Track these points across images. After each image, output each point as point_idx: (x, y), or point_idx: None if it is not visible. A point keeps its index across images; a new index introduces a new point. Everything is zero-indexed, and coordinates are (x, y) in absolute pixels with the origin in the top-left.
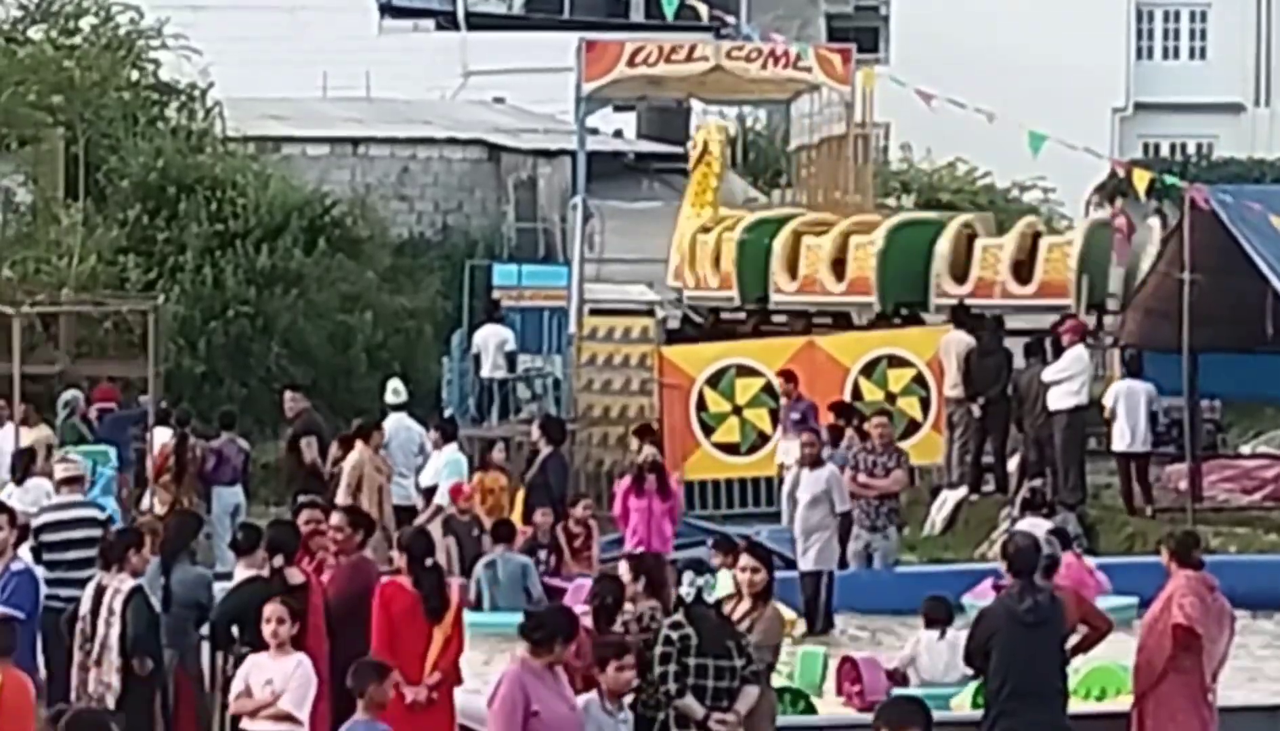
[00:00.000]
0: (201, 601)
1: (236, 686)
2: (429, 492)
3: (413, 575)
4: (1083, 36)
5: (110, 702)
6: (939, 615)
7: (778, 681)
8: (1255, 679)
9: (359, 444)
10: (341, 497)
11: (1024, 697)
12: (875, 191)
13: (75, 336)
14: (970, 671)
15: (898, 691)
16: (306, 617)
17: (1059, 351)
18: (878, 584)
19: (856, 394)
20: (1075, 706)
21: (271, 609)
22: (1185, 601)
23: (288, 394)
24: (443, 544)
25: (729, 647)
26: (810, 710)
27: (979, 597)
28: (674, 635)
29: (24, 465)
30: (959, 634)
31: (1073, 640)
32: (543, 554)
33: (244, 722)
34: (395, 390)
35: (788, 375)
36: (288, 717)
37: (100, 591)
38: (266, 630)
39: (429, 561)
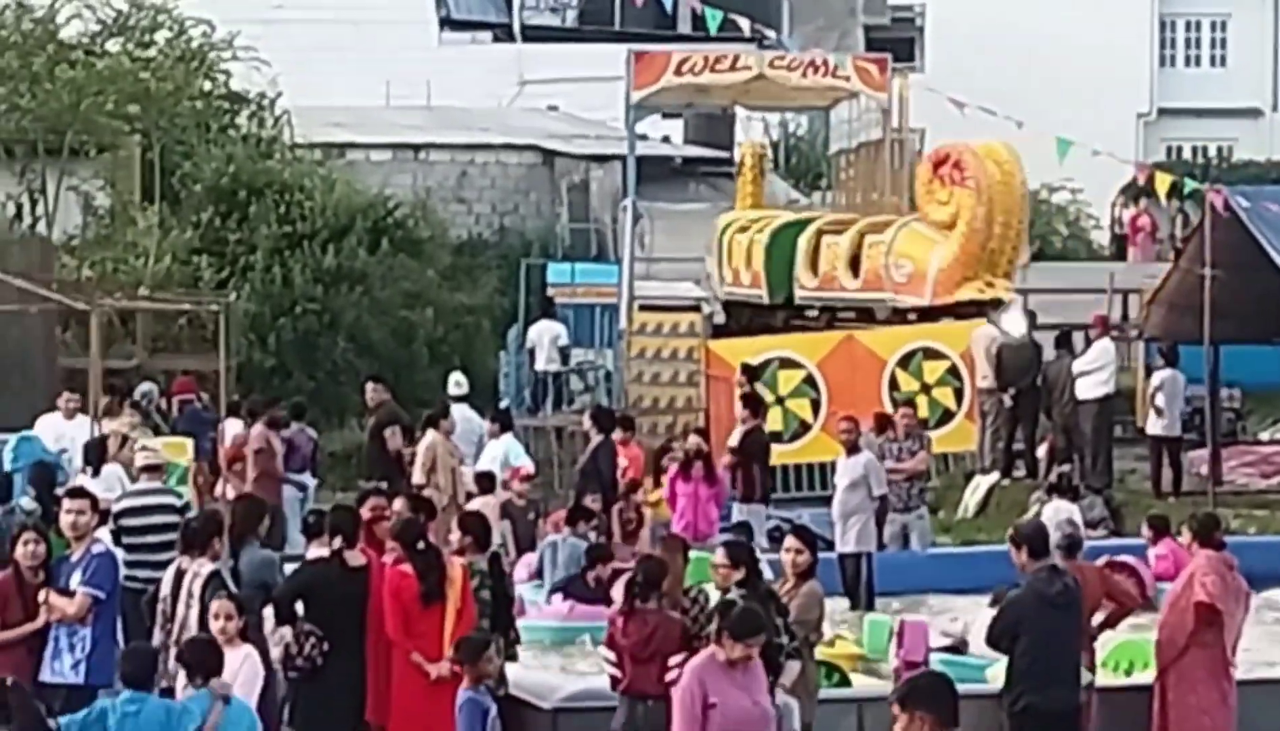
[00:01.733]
0: (269, 582)
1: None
2: (483, 478)
3: (409, 561)
4: (1108, 45)
5: None
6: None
7: (848, 649)
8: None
9: (430, 430)
10: (417, 478)
11: (1051, 674)
12: (911, 193)
13: (151, 332)
14: None
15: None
16: (367, 598)
17: (1087, 342)
18: (915, 564)
19: (894, 384)
20: (1102, 679)
21: (218, 605)
22: (1207, 580)
23: (369, 385)
24: (499, 527)
25: (775, 624)
26: (845, 683)
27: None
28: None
29: (98, 453)
30: None
31: (1100, 616)
32: (592, 536)
33: None
34: (457, 382)
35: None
36: None
37: (180, 575)
38: (214, 626)
39: (420, 546)
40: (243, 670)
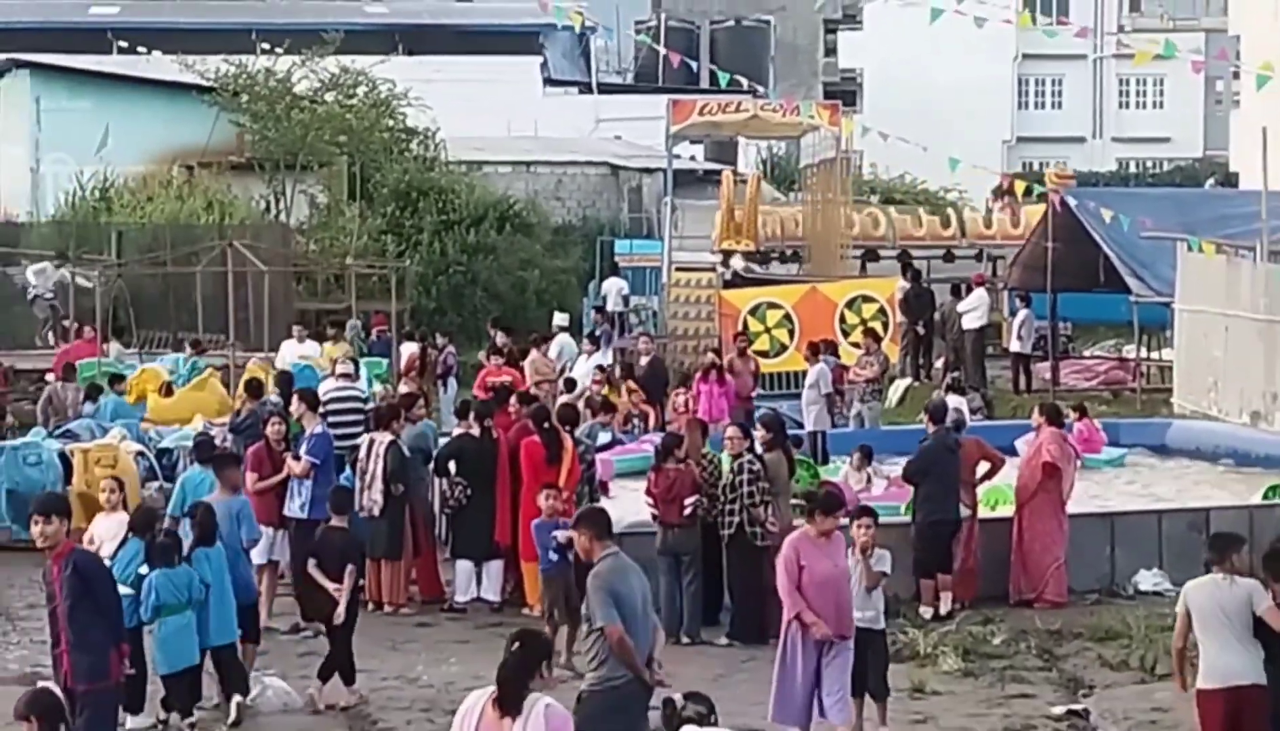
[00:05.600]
0: (425, 448)
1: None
2: (568, 382)
3: (539, 435)
4: (985, 96)
5: (376, 512)
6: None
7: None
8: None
9: (533, 350)
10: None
11: (948, 498)
12: (853, 194)
13: (355, 286)
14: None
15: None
16: (498, 460)
17: (969, 291)
18: (857, 437)
19: (843, 319)
20: (982, 513)
21: (106, 482)
22: (1052, 447)
23: (496, 333)
24: (585, 414)
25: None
26: None
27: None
28: (755, 467)
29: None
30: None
31: (982, 470)
32: (637, 421)
33: None
34: (561, 318)
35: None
36: None
37: (371, 443)
38: (101, 497)
39: (546, 425)
40: (117, 534)
